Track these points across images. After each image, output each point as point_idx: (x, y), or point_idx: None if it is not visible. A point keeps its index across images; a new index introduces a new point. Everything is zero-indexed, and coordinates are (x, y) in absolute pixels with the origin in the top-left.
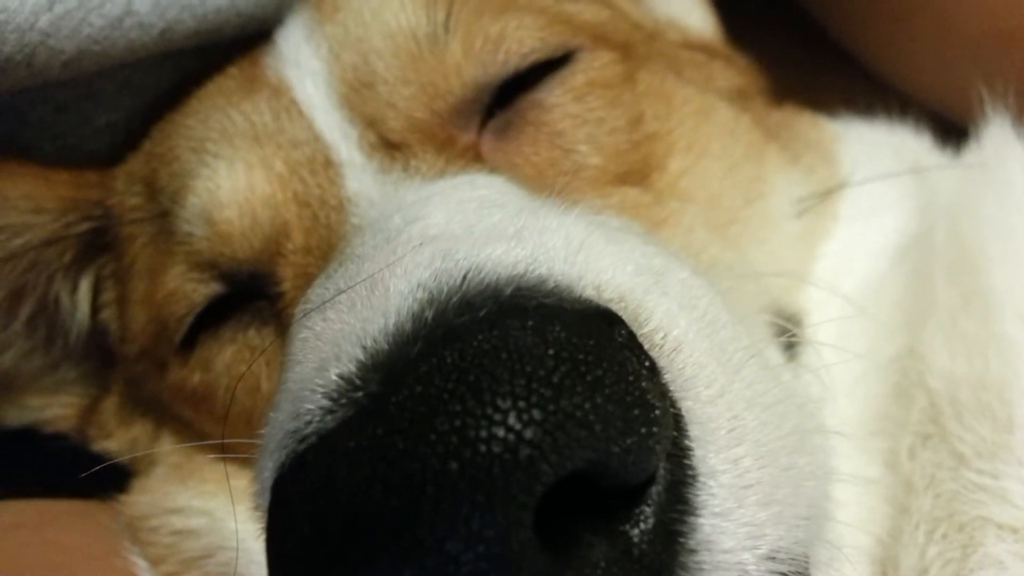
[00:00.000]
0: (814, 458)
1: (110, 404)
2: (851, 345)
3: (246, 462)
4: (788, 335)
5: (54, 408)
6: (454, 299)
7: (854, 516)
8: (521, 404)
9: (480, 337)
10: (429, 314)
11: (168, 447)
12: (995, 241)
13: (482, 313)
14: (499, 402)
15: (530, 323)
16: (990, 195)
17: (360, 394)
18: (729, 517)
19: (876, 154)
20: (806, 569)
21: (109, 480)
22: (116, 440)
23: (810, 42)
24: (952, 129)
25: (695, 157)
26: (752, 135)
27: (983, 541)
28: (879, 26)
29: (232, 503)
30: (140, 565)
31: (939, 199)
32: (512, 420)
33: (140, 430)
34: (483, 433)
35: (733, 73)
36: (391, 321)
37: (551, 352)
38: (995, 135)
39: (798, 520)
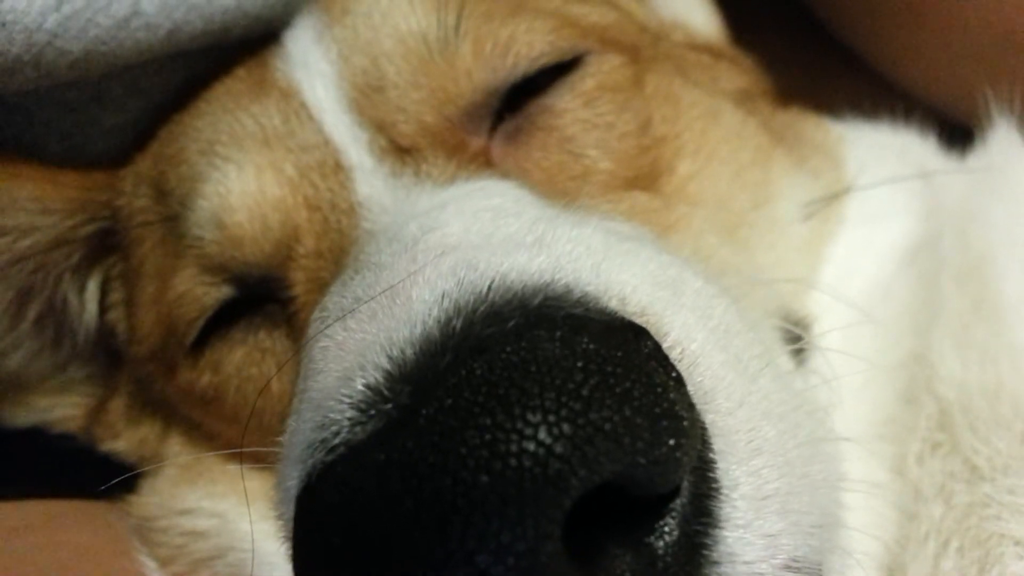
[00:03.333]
0: (827, 466)
1: (118, 404)
2: (858, 349)
3: (257, 464)
4: (797, 340)
5: (62, 408)
6: (481, 309)
7: (862, 521)
8: (551, 418)
9: (509, 349)
10: (457, 324)
11: (181, 454)
12: (1004, 248)
13: (510, 324)
14: (529, 416)
15: (558, 334)
16: (997, 200)
17: (389, 406)
18: (749, 529)
19: (882, 157)
20: (820, 574)
21: (118, 481)
22: (124, 441)
23: (815, 44)
24: (956, 132)
25: (703, 161)
26: (759, 138)
27: (1001, 558)
28: (886, 26)
29: (243, 504)
30: (149, 566)
31: (946, 203)
32: (543, 435)
33: (148, 431)
34: (514, 447)
35: (738, 74)
36: (417, 331)
37: (580, 364)
38: (1001, 139)
39: (813, 528)
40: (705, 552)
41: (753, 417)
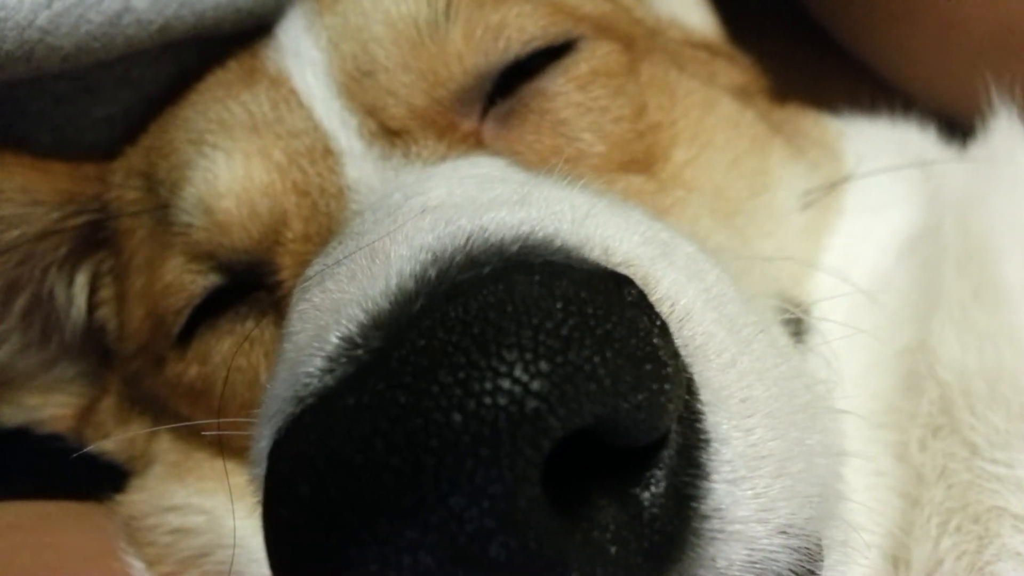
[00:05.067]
0: (825, 437)
1: (107, 404)
2: (859, 337)
3: (245, 457)
4: (795, 320)
5: (51, 407)
6: (458, 258)
7: (864, 504)
8: (528, 356)
9: (485, 291)
10: (432, 272)
11: (170, 452)
12: (1005, 233)
13: (487, 270)
14: (505, 353)
15: (537, 278)
16: (999, 188)
17: (360, 351)
18: (742, 486)
19: (881, 150)
20: (819, 547)
21: (106, 481)
22: (113, 440)
23: (812, 41)
24: (956, 125)
25: (699, 148)
26: (756, 128)
27: (999, 532)
28: (881, 27)
29: (231, 500)
30: (136, 567)
31: (946, 193)
32: (518, 372)
33: (137, 429)
34: (488, 385)
35: (736, 71)
36: (392, 282)
37: (559, 305)
38: (1002, 129)
39: (810, 496)
40: (694, 504)
41: (746, 376)
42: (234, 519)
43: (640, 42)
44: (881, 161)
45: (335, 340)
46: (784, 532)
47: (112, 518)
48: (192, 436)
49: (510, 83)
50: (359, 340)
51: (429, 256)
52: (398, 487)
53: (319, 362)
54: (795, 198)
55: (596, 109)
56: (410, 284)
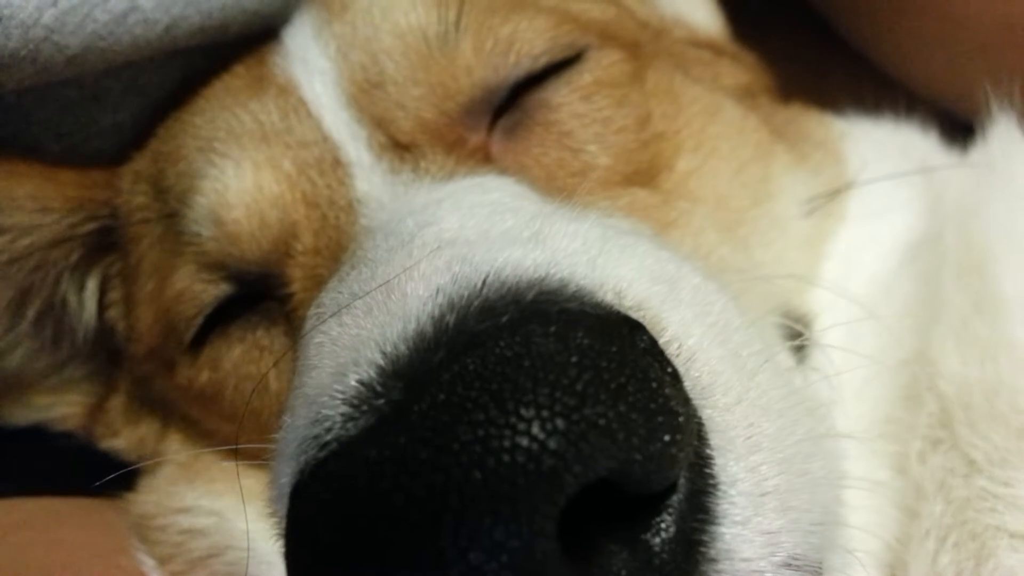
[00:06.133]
0: (827, 463)
1: (117, 403)
2: (860, 347)
3: (255, 462)
4: (798, 337)
5: (61, 407)
6: (475, 304)
7: (864, 520)
8: (544, 413)
9: (502, 344)
10: (450, 319)
11: (179, 452)
12: (1004, 244)
13: (504, 319)
14: (522, 411)
15: (553, 329)
16: (998, 196)
17: (382, 402)
18: (748, 525)
19: (883, 153)
20: (820, 572)
21: (116, 478)
22: (123, 439)
23: (817, 40)
24: (958, 127)
25: (703, 157)
26: (760, 135)
27: (996, 550)
28: (886, 22)
29: (242, 502)
30: (147, 564)
31: (947, 199)
32: (536, 430)
33: (147, 429)
34: (506, 443)
35: (740, 71)
36: (411, 326)
37: (574, 359)
38: (1001, 133)
39: (813, 526)
40: (702, 549)
41: (752, 413)
42: (246, 522)
43: (646, 47)
44: (884, 165)
45: (355, 384)
46: (788, 565)
47: (122, 515)
48: (201, 438)
49: (517, 93)
50: (379, 388)
51: (446, 300)
52: (418, 541)
53: (340, 406)
54: (797, 206)
55: (600, 120)
56: (428, 329)
